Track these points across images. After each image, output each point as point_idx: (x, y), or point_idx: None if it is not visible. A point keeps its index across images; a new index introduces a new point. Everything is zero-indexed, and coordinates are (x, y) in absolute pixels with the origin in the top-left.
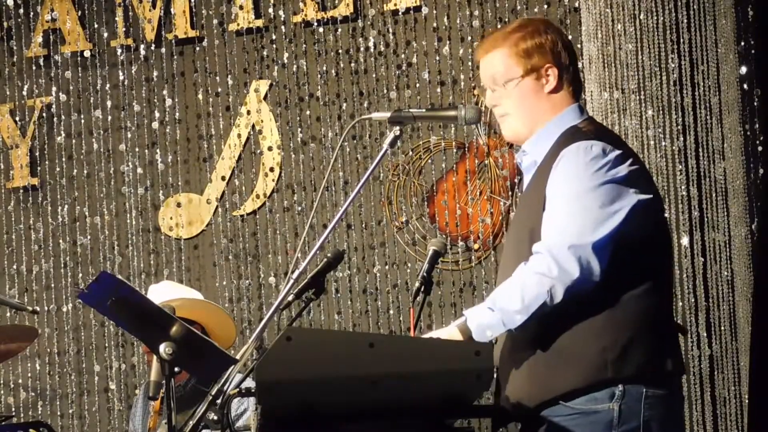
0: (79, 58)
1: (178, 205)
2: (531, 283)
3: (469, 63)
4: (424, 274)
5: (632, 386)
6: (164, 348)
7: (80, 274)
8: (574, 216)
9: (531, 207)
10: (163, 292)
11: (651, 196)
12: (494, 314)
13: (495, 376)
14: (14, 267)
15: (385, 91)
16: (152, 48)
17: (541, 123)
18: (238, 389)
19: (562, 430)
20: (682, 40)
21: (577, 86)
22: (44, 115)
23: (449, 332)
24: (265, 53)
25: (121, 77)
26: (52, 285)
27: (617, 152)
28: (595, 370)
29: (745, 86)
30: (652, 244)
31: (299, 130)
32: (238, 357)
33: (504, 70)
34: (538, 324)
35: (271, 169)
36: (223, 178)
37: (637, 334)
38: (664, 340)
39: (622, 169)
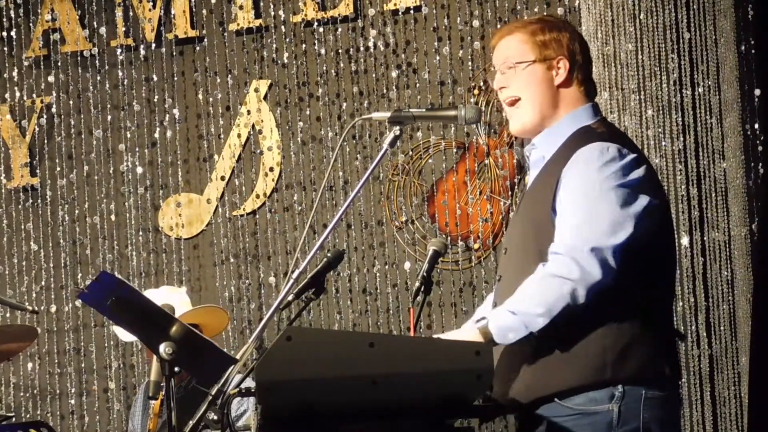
0: (79, 58)
1: (178, 205)
2: (552, 286)
3: (469, 63)
4: (424, 273)
5: (631, 387)
6: (164, 348)
7: (80, 274)
8: (593, 218)
9: (538, 202)
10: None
11: (661, 200)
12: (516, 317)
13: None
14: (14, 267)
15: (385, 90)
16: (152, 48)
17: (549, 117)
18: (238, 389)
19: (561, 430)
20: (681, 40)
21: (590, 87)
22: (44, 115)
23: (470, 335)
24: (264, 53)
25: (121, 77)
26: (52, 285)
27: (632, 155)
28: (594, 371)
29: (745, 86)
30: (658, 248)
31: (299, 129)
32: (238, 357)
33: (518, 53)
34: None
35: (271, 169)
36: (222, 178)
37: (637, 336)
38: (664, 343)
39: (638, 173)
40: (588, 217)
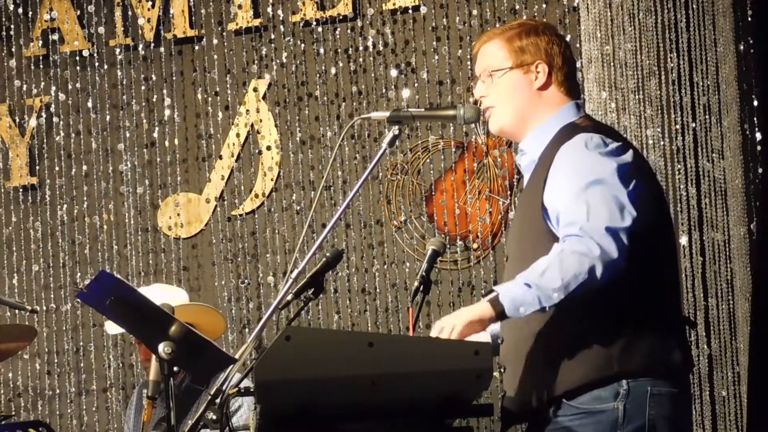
0: (78, 58)
1: (177, 204)
2: (571, 262)
3: (468, 63)
4: (423, 273)
5: (637, 384)
6: (163, 347)
7: (79, 274)
8: (600, 200)
9: (529, 205)
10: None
11: (653, 186)
12: (531, 290)
13: (501, 376)
14: (13, 266)
15: (384, 90)
16: (151, 47)
17: (532, 120)
18: (236, 388)
19: (567, 430)
20: (680, 40)
21: (572, 86)
22: (43, 114)
23: (481, 308)
24: (263, 52)
25: (120, 77)
26: (51, 284)
27: (617, 143)
28: (600, 366)
29: (744, 86)
30: (657, 234)
31: (298, 129)
32: (237, 356)
33: (495, 61)
34: (542, 322)
35: (270, 169)
36: (222, 178)
37: (641, 328)
38: (671, 334)
39: (625, 158)
40: (595, 200)
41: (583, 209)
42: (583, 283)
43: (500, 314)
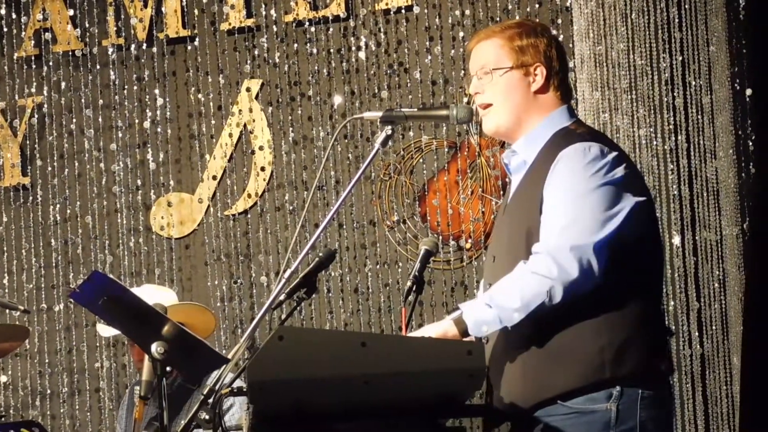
0: (70, 58)
1: (170, 204)
2: (530, 283)
3: (461, 63)
4: (416, 273)
5: (629, 388)
6: (156, 347)
7: (72, 274)
8: (576, 217)
9: (525, 208)
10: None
11: (646, 198)
12: (491, 311)
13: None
14: (5, 266)
15: (377, 90)
16: (143, 47)
17: (526, 122)
18: (229, 388)
19: (558, 430)
20: (673, 39)
21: (565, 91)
22: (36, 114)
23: (444, 326)
24: (256, 53)
25: (113, 77)
26: (44, 284)
27: (614, 153)
28: (594, 370)
29: (737, 85)
30: (647, 245)
31: (291, 129)
32: (229, 356)
33: (494, 59)
34: (533, 323)
35: (263, 169)
36: (214, 178)
37: (632, 334)
38: (657, 340)
39: (620, 171)
40: (572, 217)
41: (556, 226)
42: (542, 304)
43: (463, 332)
